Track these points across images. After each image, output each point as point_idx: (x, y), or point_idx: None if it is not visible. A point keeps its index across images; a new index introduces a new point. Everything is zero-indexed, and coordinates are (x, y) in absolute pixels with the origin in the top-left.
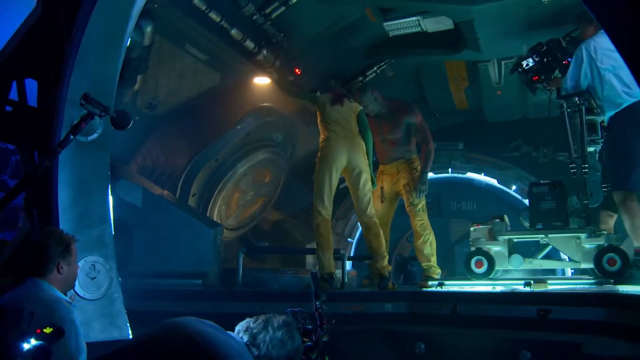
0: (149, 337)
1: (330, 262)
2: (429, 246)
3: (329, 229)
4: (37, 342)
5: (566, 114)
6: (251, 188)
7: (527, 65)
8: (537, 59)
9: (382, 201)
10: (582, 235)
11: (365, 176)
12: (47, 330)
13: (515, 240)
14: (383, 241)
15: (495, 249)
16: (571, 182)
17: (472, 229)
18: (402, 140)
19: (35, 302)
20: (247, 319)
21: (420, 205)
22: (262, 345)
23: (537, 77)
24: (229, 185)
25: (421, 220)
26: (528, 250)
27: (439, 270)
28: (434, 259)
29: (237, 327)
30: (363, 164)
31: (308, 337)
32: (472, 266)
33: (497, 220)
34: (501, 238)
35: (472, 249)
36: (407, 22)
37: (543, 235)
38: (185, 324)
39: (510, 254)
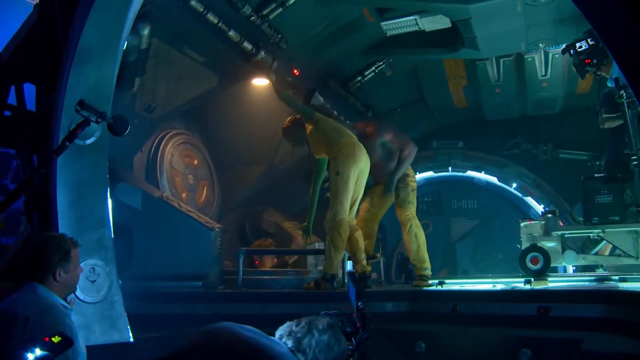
0: (187, 347)
1: (339, 264)
2: (414, 239)
3: (347, 231)
4: (42, 352)
5: (625, 104)
6: (187, 170)
7: (581, 47)
8: (592, 42)
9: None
10: None
11: (363, 185)
12: (56, 339)
13: (568, 235)
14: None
15: (549, 244)
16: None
17: (522, 224)
18: (384, 159)
19: (30, 307)
20: (288, 323)
21: (408, 198)
22: (308, 350)
23: (589, 60)
24: (165, 166)
25: (407, 212)
26: None
27: (425, 266)
28: (421, 253)
29: (278, 332)
30: (367, 175)
31: (349, 341)
32: (528, 263)
33: (550, 215)
34: (555, 233)
35: (525, 245)
36: (404, 22)
37: (599, 230)
38: (225, 330)
39: (563, 249)
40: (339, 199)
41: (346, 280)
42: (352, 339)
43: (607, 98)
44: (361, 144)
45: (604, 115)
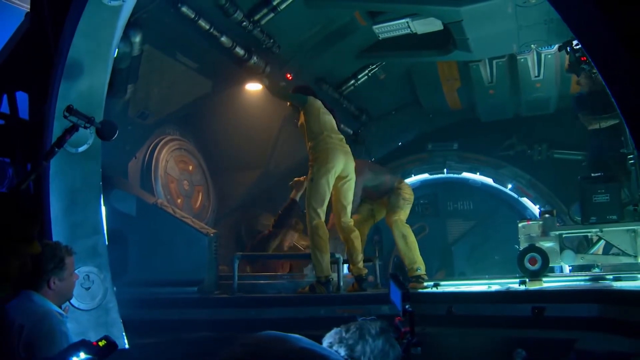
0: None
1: (328, 265)
2: (402, 240)
3: (326, 232)
4: (86, 356)
5: None
6: (182, 176)
7: (577, 45)
8: None
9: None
10: (639, 228)
11: (352, 184)
12: (101, 343)
13: (566, 235)
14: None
15: (547, 244)
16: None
17: (520, 225)
18: (372, 189)
19: (26, 315)
20: (336, 329)
21: (398, 204)
22: (362, 357)
23: (584, 58)
24: (160, 172)
25: (394, 216)
26: None
27: (417, 266)
28: (411, 255)
29: (327, 340)
30: (353, 172)
31: None
32: (526, 263)
33: (548, 215)
34: (553, 233)
35: (523, 245)
36: (396, 25)
37: (597, 230)
38: (274, 341)
39: (561, 249)
40: (312, 205)
41: (341, 283)
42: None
43: (582, 100)
44: (338, 146)
45: (601, 116)
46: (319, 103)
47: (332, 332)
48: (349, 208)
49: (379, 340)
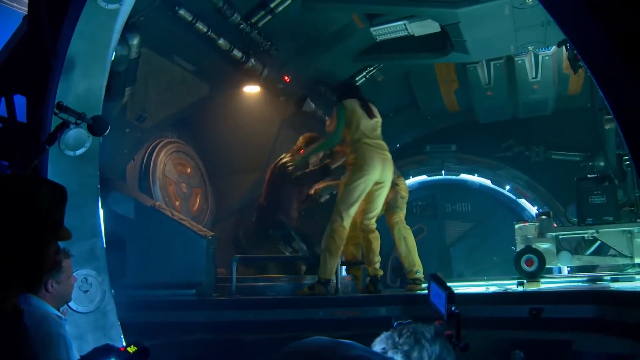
0: None
1: (333, 269)
2: (402, 242)
3: (344, 238)
4: None
5: None
6: (180, 179)
7: None
8: None
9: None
10: (635, 229)
11: (385, 191)
12: (131, 349)
13: (562, 236)
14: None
15: (543, 246)
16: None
17: (517, 226)
18: None
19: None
20: (386, 334)
21: (397, 204)
22: None
23: None
24: (158, 175)
25: (394, 217)
26: None
27: (416, 269)
28: (411, 257)
29: (379, 345)
30: (390, 179)
31: None
32: (523, 264)
33: (544, 217)
34: (549, 235)
35: (520, 247)
36: (393, 27)
37: (593, 231)
38: (326, 350)
39: (558, 251)
40: (341, 208)
41: (339, 286)
42: None
43: None
44: (377, 154)
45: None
46: (353, 104)
47: (383, 336)
48: (372, 213)
49: (436, 345)
